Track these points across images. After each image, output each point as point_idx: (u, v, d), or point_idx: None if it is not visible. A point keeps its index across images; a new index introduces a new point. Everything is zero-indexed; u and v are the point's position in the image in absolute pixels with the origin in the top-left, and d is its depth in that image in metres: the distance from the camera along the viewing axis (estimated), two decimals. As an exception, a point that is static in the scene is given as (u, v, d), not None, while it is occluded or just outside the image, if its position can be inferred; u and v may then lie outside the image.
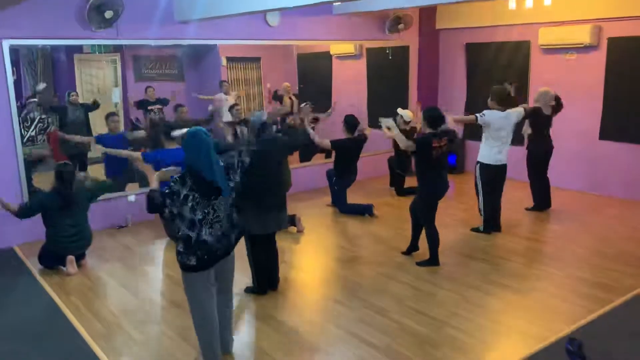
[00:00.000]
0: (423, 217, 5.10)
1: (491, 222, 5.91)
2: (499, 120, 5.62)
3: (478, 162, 5.84)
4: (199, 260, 3.18)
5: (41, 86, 6.82)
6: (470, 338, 3.78)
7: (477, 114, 5.64)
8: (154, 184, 3.39)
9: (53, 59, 7.08)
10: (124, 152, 5.96)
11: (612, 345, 3.65)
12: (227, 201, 3.26)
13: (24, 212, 5.06)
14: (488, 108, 5.73)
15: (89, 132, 6.86)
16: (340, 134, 6.74)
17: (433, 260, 5.05)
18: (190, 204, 3.11)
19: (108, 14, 5.75)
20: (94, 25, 5.82)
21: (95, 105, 7.05)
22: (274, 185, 4.33)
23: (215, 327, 3.36)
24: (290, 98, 8.77)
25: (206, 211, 3.15)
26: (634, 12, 6.67)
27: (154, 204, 3.23)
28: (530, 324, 3.95)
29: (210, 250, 3.19)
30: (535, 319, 4.02)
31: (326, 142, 6.59)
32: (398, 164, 7.57)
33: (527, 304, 4.32)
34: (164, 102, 7.66)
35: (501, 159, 5.74)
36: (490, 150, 5.71)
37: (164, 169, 3.71)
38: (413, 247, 5.32)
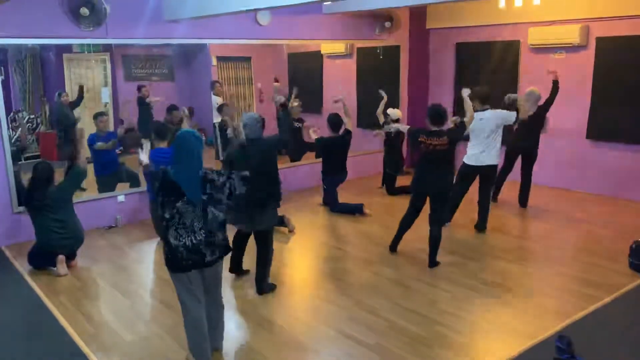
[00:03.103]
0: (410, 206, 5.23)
1: (451, 212, 6.04)
2: (475, 123, 5.64)
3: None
4: (166, 258, 3.23)
5: None
6: (461, 336, 3.79)
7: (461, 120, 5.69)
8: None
9: (42, 58, 7.00)
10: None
11: (601, 341, 3.68)
12: (197, 211, 3.17)
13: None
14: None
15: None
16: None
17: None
18: (160, 199, 3.18)
19: (83, 11, 5.71)
20: (83, 25, 5.78)
21: (80, 97, 6.94)
22: (258, 185, 4.28)
23: (204, 327, 3.35)
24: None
25: (171, 213, 3.16)
26: (621, 12, 6.74)
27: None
28: (519, 321, 3.98)
29: (174, 254, 3.18)
30: (524, 317, 4.05)
31: (313, 138, 6.63)
32: (390, 163, 7.59)
33: (516, 301, 4.34)
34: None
35: (484, 160, 5.77)
36: (472, 150, 5.79)
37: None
38: (396, 240, 5.41)
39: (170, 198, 3.15)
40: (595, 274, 4.78)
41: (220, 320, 3.59)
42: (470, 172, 5.87)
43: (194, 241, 3.18)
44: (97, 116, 6.51)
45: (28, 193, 5.06)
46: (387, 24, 8.39)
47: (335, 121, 6.68)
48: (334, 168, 6.75)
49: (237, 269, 4.84)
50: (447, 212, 5.83)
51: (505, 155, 6.59)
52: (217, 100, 8.02)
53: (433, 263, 5.01)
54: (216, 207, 3.23)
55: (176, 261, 3.20)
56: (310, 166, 7.77)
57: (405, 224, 5.29)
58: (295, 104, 8.02)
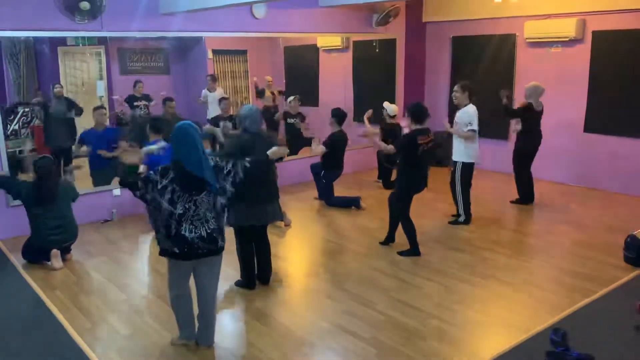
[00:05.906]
0: (398, 210, 5.17)
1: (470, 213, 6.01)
2: (476, 118, 5.69)
3: (460, 162, 5.86)
4: (180, 249, 3.23)
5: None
6: (456, 329, 3.81)
7: (471, 129, 5.70)
8: (130, 159, 3.44)
9: (36, 51, 6.96)
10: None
11: (595, 334, 3.70)
12: (211, 200, 3.24)
13: (3, 183, 5.04)
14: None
15: (72, 127, 6.75)
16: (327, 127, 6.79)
17: (414, 250, 5.11)
18: (168, 196, 3.13)
19: (83, 5, 5.66)
20: (77, 17, 5.74)
21: (78, 111, 6.90)
22: (262, 178, 4.29)
23: (191, 302, 3.48)
24: (272, 93, 8.73)
25: (187, 206, 3.15)
26: (617, 6, 6.75)
27: (127, 181, 3.29)
28: (515, 314, 4.00)
29: (190, 245, 3.21)
30: (519, 310, 4.07)
31: (322, 149, 6.61)
32: (386, 157, 7.59)
33: (511, 294, 4.35)
34: (148, 99, 7.57)
35: (478, 154, 5.85)
36: (471, 148, 5.79)
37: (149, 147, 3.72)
38: (390, 238, 5.40)
39: (190, 192, 3.15)
40: (591, 268, 4.80)
41: (214, 315, 3.61)
42: (472, 170, 5.90)
43: (208, 230, 3.24)
44: (96, 109, 6.51)
45: (36, 190, 4.94)
46: (391, 20, 8.37)
47: (340, 115, 6.69)
48: (335, 163, 6.77)
49: (254, 283, 4.55)
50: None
51: (528, 154, 6.54)
52: (206, 94, 8.02)
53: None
54: (223, 195, 3.31)
55: (193, 251, 3.24)
56: (307, 160, 7.75)
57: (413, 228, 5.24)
58: (293, 102, 8.03)
